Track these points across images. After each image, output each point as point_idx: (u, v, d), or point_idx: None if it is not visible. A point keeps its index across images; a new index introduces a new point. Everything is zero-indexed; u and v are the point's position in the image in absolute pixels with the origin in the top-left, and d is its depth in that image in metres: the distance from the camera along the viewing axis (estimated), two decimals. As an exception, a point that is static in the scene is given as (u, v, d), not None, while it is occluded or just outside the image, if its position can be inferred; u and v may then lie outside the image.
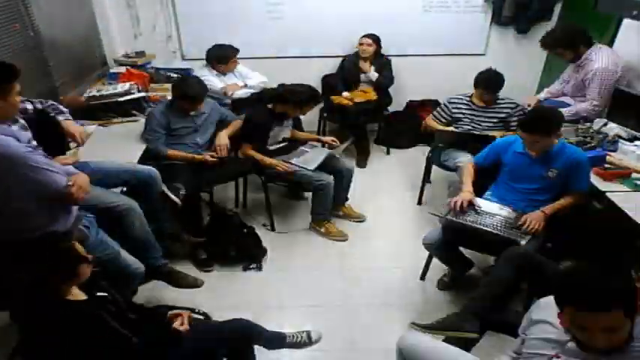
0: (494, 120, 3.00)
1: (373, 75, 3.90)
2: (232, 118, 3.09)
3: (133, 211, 2.20)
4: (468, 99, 3.06)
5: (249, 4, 3.91)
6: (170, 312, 1.73)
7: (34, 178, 1.60)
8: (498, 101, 2.99)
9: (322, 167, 2.94)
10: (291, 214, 3.24)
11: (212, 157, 2.79)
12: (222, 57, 3.50)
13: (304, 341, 2.14)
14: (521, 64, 4.10)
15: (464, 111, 3.05)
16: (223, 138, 2.91)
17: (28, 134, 1.86)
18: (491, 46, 4.20)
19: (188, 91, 2.68)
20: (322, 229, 3.00)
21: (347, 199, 3.19)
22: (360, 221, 3.16)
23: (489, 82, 2.90)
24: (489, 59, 4.09)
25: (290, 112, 2.95)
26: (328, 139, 3.18)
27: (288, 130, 3.10)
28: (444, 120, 3.15)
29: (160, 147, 2.67)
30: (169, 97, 2.85)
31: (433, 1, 3.99)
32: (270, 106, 2.94)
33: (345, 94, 3.83)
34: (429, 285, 2.51)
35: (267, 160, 2.86)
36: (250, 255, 2.75)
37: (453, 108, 3.08)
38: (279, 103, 2.90)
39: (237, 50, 3.53)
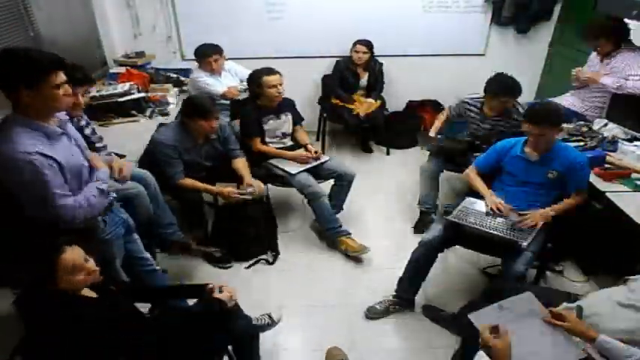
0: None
1: (364, 83, 3.98)
2: (236, 153, 2.82)
3: (140, 195, 2.27)
4: (479, 107, 2.88)
5: (249, 4, 3.92)
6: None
7: (39, 180, 1.56)
8: (512, 112, 2.76)
9: (318, 172, 2.90)
10: (291, 215, 3.24)
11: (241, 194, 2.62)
12: (198, 54, 3.42)
13: (267, 323, 2.26)
14: (521, 64, 4.10)
15: (472, 118, 2.92)
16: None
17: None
18: (491, 46, 4.20)
19: (203, 103, 2.53)
20: (343, 247, 2.80)
21: (342, 208, 3.04)
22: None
23: (506, 85, 2.67)
24: (489, 59, 4.11)
25: (266, 93, 2.80)
26: (311, 150, 2.94)
27: (287, 125, 3.01)
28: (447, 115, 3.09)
29: (181, 179, 2.57)
30: (169, 98, 2.78)
31: (433, 1, 4.00)
32: (259, 101, 2.90)
33: (356, 109, 3.82)
34: (429, 285, 2.50)
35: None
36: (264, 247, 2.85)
37: (466, 109, 2.93)
38: (255, 95, 2.88)
39: (215, 47, 3.40)
